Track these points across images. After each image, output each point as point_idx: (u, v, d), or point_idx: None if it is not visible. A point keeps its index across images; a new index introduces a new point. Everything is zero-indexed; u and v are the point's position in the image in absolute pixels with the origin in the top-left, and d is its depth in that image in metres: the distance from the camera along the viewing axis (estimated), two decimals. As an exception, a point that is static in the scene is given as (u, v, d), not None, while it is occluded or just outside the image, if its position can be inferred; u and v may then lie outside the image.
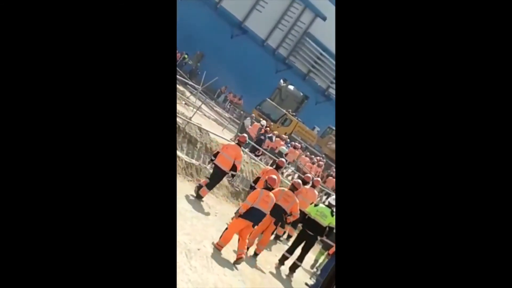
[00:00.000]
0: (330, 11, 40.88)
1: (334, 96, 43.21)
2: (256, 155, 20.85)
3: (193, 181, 13.98)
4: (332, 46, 41.86)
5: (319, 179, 15.97)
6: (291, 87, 45.28)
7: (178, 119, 14.98)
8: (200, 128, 16.53)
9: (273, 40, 41.10)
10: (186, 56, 35.61)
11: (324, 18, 40.98)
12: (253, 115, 27.74)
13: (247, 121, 25.26)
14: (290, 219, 12.05)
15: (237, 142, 13.71)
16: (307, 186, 14.01)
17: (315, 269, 13.71)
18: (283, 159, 15.70)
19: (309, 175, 15.43)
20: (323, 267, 11.65)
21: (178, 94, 18.87)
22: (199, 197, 12.57)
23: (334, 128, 36.65)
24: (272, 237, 13.64)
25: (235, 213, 11.22)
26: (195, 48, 36.89)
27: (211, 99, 31.12)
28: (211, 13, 37.96)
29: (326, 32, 40.91)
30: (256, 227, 11.61)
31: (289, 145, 25.84)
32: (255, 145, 22.12)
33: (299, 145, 28.35)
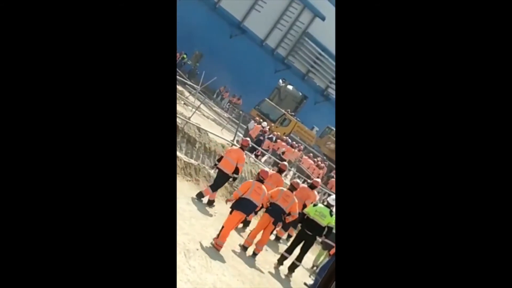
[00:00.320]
0: (329, 11, 40.90)
1: (333, 96, 43.24)
2: (255, 155, 20.89)
3: (192, 181, 13.98)
4: (331, 46, 41.87)
5: (318, 180, 16.01)
6: (290, 87, 45.32)
7: (177, 119, 14.98)
8: (199, 128, 16.53)
9: (272, 40, 41.13)
10: (185, 56, 35.63)
11: (323, 18, 41.01)
12: (257, 118, 27.68)
13: (251, 125, 25.29)
14: (289, 219, 12.05)
15: (240, 146, 13.89)
16: (315, 191, 14.16)
17: (314, 268, 13.72)
18: (285, 163, 15.75)
19: (317, 179, 15.52)
20: (321, 267, 11.65)
21: (177, 94, 18.86)
22: (200, 195, 12.70)
23: (333, 128, 36.67)
24: (273, 237, 13.65)
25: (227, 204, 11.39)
26: (194, 48, 36.92)
27: (210, 99, 31.13)
28: (210, 13, 37.97)
29: (325, 32, 40.95)
30: (256, 227, 11.65)
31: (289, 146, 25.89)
32: (254, 145, 22.14)
33: (301, 146, 28.38)
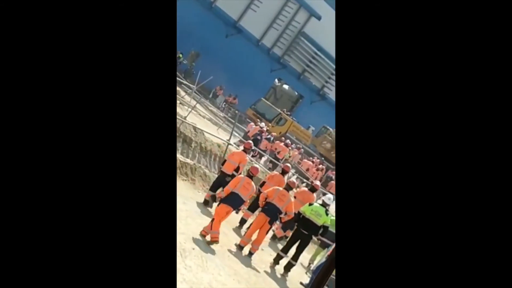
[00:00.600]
0: (325, 10, 40.92)
1: (329, 95, 43.27)
2: (252, 156, 20.92)
3: (187, 180, 13.99)
4: (327, 46, 41.88)
5: (318, 183, 16.11)
6: (286, 87, 45.30)
7: (173, 119, 14.95)
8: (195, 128, 16.52)
9: (268, 39, 41.10)
10: (181, 55, 35.59)
11: (319, 18, 41.01)
12: (254, 118, 27.66)
13: (250, 127, 25.28)
14: (285, 218, 12.06)
15: (243, 149, 14.10)
16: (315, 194, 14.25)
17: (311, 266, 13.72)
18: (288, 165, 15.84)
19: (318, 183, 15.61)
20: (318, 265, 11.66)
21: (172, 93, 18.83)
22: (206, 203, 12.95)
23: (328, 127, 36.70)
24: (270, 235, 13.69)
25: (216, 197, 11.51)
26: (190, 47, 36.85)
27: (206, 99, 31.11)
28: (206, 12, 37.93)
29: (321, 32, 40.95)
30: (252, 226, 11.66)
31: (289, 148, 25.96)
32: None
33: (301, 149, 28.41)
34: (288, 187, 12.15)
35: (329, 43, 41.66)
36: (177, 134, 15.28)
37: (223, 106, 34.72)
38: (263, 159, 22.78)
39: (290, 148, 26.15)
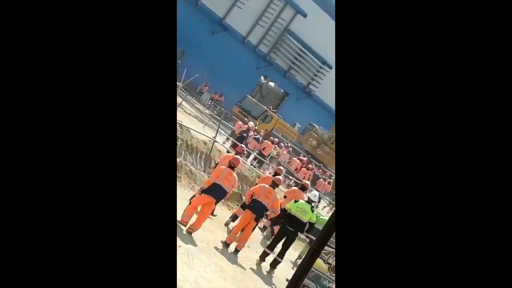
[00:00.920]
0: (310, 8, 40.98)
1: (315, 93, 43.34)
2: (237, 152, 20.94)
3: (173, 178, 13.97)
4: (312, 43, 41.96)
5: (308, 182, 16.24)
6: (271, 84, 45.31)
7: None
8: (180, 125, 16.50)
9: (254, 36, 41.09)
10: (166, 53, 35.44)
11: (304, 15, 41.06)
12: (241, 116, 27.61)
13: (237, 125, 25.24)
14: (271, 215, 12.10)
15: (235, 152, 14.21)
16: (304, 193, 14.32)
17: (297, 261, 13.78)
18: (281, 167, 15.90)
19: (307, 182, 15.72)
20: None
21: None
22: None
23: (314, 124, 36.76)
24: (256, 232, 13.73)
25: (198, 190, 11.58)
26: (175, 44, 36.70)
27: (192, 96, 31.06)
28: (192, 10, 37.83)
29: (306, 29, 41.02)
30: (238, 223, 11.68)
31: (276, 146, 25.99)
32: (236, 142, 22.13)
33: (289, 148, 28.42)
34: (274, 184, 12.18)
35: (315, 41, 41.75)
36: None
37: (209, 103, 34.67)
38: (251, 157, 22.80)
39: (276, 145, 26.17)
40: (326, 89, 42.58)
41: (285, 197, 14.07)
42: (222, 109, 30.82)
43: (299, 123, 37.99)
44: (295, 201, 12.29)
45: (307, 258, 3.04)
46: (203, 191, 10.93)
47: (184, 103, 23.90)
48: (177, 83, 24.21)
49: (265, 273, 11.72)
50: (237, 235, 11.59)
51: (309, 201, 12.36)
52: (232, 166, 11.56)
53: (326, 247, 10.07)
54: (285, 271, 12.74)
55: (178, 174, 14.11)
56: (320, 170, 29.67)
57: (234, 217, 13.19)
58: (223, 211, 14.56)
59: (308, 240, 13.73)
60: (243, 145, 14.90)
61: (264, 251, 12.02)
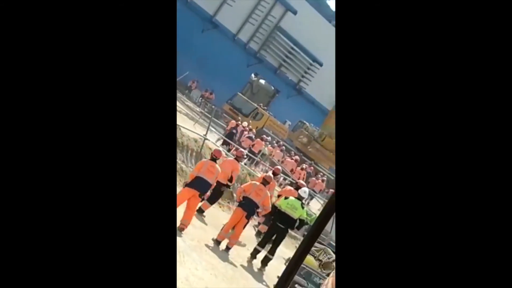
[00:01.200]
0: (300, 5, 41.00)
1: (305, 90, 43.39)
2: (228, 150, 20.98)
3: (164, 175, 13.96)
4: (303, 40, 41.99)
5: (303, 181, 16.36)
6: (262, 81, 45.34)
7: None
8: (171, 123, 16.44)
9: (244, 34, 41.07)
10: (156, 50, 35.37)
11: (294, 12, 41.07)
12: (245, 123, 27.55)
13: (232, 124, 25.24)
14: (262, 212, 12.12)
15: (235, 157, 14.31)
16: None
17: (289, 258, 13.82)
18: (279, 167, 15.96)
19: (302, 182, 15.83)
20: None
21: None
22: (200, 211, 12.87)
23: (305, 122, 36.80)
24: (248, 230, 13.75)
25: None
26: (165, 42, 36.65)
27: (182, 94, 31.02)
28: (182, 7, 37.75)
29: (297, 26, 41.04)
30: (229, 221, 11.68)
31: (267, 142, 26.01)
32: (226, 139, 22.19)
33: (282, 146, 28.42)
34: (265, 182, 12.20)
35: (305, 38, 41.79)
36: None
37: (200, 101, 34.63)
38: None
39: (267, 143, 26.18)
40: (316, 86, 42.67)
41: (279, 196, 14.11)
42: (213, 106, 30.78)
43: (289, 120, 38.04)
44: (285, 198, 12.31)
45: (298, 255, 3.05)
46: (186, 185, 10.97)
47: (174, 100, 23.82)
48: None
49: (256, 270, 11.74)
50: (228, 233, 11.60)
51: (299, 198, 12.38)
52: (214, 158, 11.65)
53: (316, 244, 10.11)
54: (277, 268, 12.76)
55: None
56: (312, 168, 29.70)
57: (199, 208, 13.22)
58: (214, 209, 14.57)
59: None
60: (243, 150, 14.94)
61: (255, 249, 12.03)
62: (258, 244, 12.11)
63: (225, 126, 27.02)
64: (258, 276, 11.54)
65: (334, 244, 10.72)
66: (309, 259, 10.21)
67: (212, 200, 13.25)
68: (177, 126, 16.56)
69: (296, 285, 9.85)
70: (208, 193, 12.26)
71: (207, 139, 17.88)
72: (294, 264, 3.06)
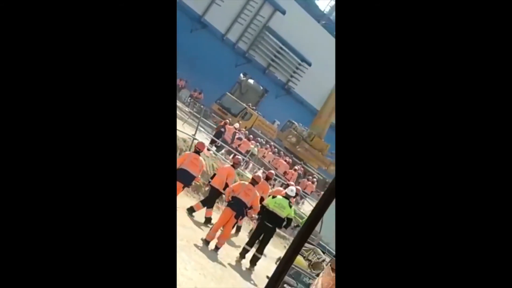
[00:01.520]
0: (289, 4, 41.05)
1: (294, 90, 43.45)
2: (216, 146, 21.08)
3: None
4: (291, 40, 42.03)
5: (299, 187, 16.49)
6: (251, 81, 45.33)
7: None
8: (160, 123, 16.41)
9: (233, 34, 41.06)
10: (145, 50, 35.30)
11: (283, 12, 41.12)
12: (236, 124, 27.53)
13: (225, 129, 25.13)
14: (251, 212, 12.12)
15: (232, 164, 14.33)
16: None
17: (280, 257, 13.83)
18: (272, 171, 16.00)
19: (298, 187, 15.88)
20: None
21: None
22: (191, 210, 12.92)
23: (294, 121, 36.85)
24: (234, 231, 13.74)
25: None
26: (154, 42, 36.59)
27: (171, 94, 30.89)
28: (170, 7, 37.67)
29: (285, 26, 41.08)
30: (218, 221, 11.66)
31: (258, 144, 26.03)
32: (214, 138, 22.21)
33: (274, 148, 28.43)
34: (254, 182, 12.20)
35: (294, 38, 41.84)
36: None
37: (189, 101, 34.57)
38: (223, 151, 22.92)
39: (257, 144, 26.18)
40: (305, 86, 42.75)
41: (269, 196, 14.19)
42: (202, 106, 30.76)
43: (278, 120, 38.07)
44: (273, 197, 12.32)
45: (288, 255, 3.04)
46: None
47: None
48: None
49: (245, 270, 11.73)
50: (217, 233, 11.58)
51: (287, 197, 12.39)
52: (197, 151, 11.67)
53: (306, 244, 10.12)
54: (266, 268, 12.77)
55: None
56: (302, 169, 29.73)
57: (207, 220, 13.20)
58: (203, 209, 14.54)
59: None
60: (239, 157, 14.98)
61: (243, 248, 12.02)
62: (247, 244, 12.09)
63: (214, 126, 26.98)
64: (247, 275, 11.54)
65: (323, 244, 10.73)
66: (298, 259, 10.22)
67: (208, 204, 13.24)
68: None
69: (286, 285, 9.85)
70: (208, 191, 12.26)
71: (195, 139, 17.84)
72: (284, 265, 3.05)
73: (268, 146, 28.10)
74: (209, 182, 13.54)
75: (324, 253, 10.61)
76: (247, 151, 23.98)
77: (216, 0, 39.33)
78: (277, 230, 12.82)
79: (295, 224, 13.51)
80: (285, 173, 25.07)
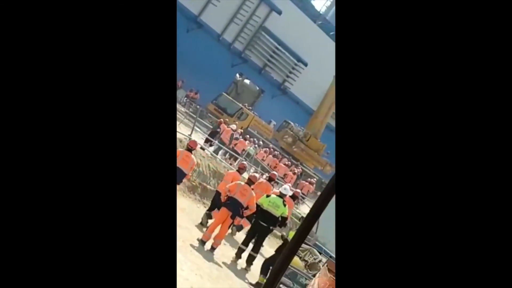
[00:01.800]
0: (285, 5, 41.06)
1: (290, 90, 43.45)
2: (210, 145, 21.12)
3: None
4: (287, 40, 42.03)
5: (299, 190, 16.58)
6: (247, 81, 45.32)
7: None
8: (155, 123, 16.39)
9: (229, 34, 41.04)
10: (141, 50, 35.23)
11: (279, 12, 41.12)
12: (220, 117, 27.47)
13: (221, 128, 25.11)
14: (247, 212, 12.11)
15: (237, 169, 14.39)
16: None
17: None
18: (274, 173, 16.01)
19: (298, 190, 15.94)
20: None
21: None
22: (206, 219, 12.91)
23: (290, 121, 36.87)
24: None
25: None
26: (150, 42, 36.52)
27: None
28: (166, 7, 37.63)
29: (281, 26, 41.07)
30: (214, 221, 11.64)
31: (256, 145, 26.03)
32: (209, 137, 22.22)
33: (276, 152, 28.39)
34: (250, 182, 12.20)
35: (290, 38, 41.84)
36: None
37: (185, 101, 34.53)
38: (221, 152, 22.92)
39: (255, 145, 26.16)
40: (301, 86, 42.75)
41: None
42: (198, 106, 30.72)
43: (274, 120, 38.08)
44: (267, 196, 12.32)
45: (284, 256, 3.04)
46: None
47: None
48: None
49: (241, 269, 11.72)
50: (213, 233, 11.57)
51: (281, 195, 12.39)
52: (190, 149, 11.82)
53: (302, 245, 10.11)
54: (262, 268, 12.77)
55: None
56: (300, 170, 29.71)
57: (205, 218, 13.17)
58: (199, 209, 14.55)
59: None
60: (245, 162, 14.96)
61: (239, 248, 12.01)
62: (242, 243, 12.08)
63: (210, 126, 26.98)
64: (243, 275, 11.53)
65: (320, 244, 10.73)
66: (295, 259, 10.21)
67: (212, 208, 13.25)
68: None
69: (282, 286, 9.84)
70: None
71: (191, 139, 17.83)
72: (281, 265, 3.05)
73: (267, 149, 28.05)
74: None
75: (320, 253, 10.61)
76: (243, 150, 23.97)
77: (212, 0, 39.30)
78: (274, 230, 12.82)
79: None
80: (284, 175, 25.06)
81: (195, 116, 22.68)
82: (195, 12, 39.34)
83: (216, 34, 40.54)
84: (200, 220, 13.02)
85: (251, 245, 12.08)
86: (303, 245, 10.44)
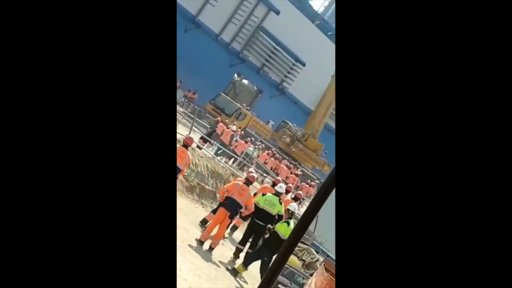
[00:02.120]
0: (283, 5, 41.08)
1: (288, 90, 43.48)
2: (206, 141, 21.22)
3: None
4: (285, 40, 42.06)
5: (301, 192, 16.60)
6: (245, 81, 45.36)
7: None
8: (153, 123, 16.40)
9: (227, 34, 41.07)
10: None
11: (277, 12, 41.15)
12: (221, 119, 27.44)
13: (219, 129, 25.09)
14: (245, 212, 12.12)
15: (245, 181, 13.76)
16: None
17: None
18: (279, 178, 16.08)
19: (300, 192, 15.97)
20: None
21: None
22: (204, 222, 12.79)
23: (288, 121, 36.88)
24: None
25: None
26: (148, 42, 36.53)
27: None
28: (164, 7, 37.63)
29: (279, 26, 41.11)
30: (212, 221, 11.65)
31: (256, 146, 26.05)
32: (205, 137, 22.25)
33: (277, 154, 28.38)
34: (248, 182, 12.20)
35: (288, 38, 41.87)
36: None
37: (183, 101, 34.54)
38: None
39: (256, 147, 26.17)
40: (299, 86, 42.79)
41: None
42: (196, 106, 30.74)
43: (272, 120, 38.10)
44: (263, 195, 12.34)
45: (281, 255, 3.04)
46: None
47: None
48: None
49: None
50: (212, 233, 11.58)
51: (277, 194, 12.41)
52: (185, 145, 11.94)
53: (299, 244, 10.13)
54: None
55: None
56: (300, 171, 29.71)
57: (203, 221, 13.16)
58: (197, 209, 14.55)
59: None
60: (254, 174, 14.68)
61: (237, 248, 12.02)
62: (239, 243, 12.09)
63: (208, 126, 27.00)
64: (241, 275, 11.53)
65: (317, 244, 10.74)
66: (292, 259, 10.23)
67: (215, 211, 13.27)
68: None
69: (279, 285, 9.86)
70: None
71: (188, 136, 17.86)
72: (277, 264, 3.05)
73: (270, 151, 28.06)
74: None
75: (318, 253, 10.62)
76: (242, 152, 24.02)
77: (210, 0, 39.31)
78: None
79: None
80: (286, 178, 25.08)
81: (193, 116, 22.70)
82: (193, 12, 39.35)
83: (214, 34, 40.55)
84: (197, 221, 13.03)
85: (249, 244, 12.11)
86: (301, 245, 10.46)
